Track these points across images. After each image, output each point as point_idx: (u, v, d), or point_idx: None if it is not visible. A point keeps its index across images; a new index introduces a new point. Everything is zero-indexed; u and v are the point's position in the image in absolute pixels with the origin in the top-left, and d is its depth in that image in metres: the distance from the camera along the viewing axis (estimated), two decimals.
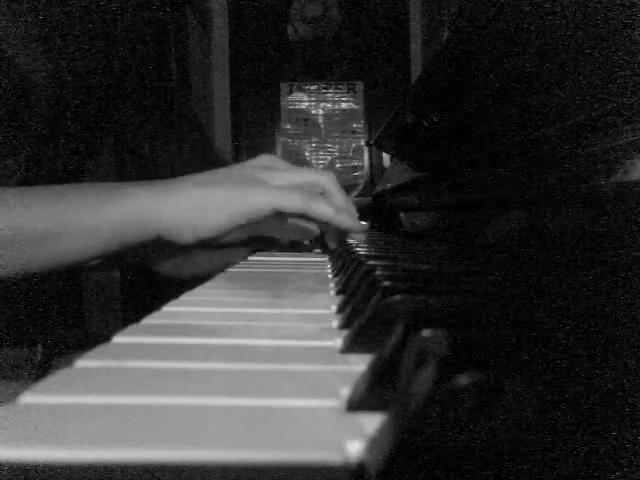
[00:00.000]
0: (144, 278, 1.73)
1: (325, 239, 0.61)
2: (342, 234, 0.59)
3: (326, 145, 2.73)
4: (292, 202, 0.48)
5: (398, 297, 0.23)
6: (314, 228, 0.58)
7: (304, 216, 0.51)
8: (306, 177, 0.52)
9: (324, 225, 0.55)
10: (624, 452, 0.11)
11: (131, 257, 0.71)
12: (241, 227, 0.49)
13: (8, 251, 0.44)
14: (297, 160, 2.66)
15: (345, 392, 0.18)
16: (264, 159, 0.54)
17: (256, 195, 0.47)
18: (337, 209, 0.51)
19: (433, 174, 0.82)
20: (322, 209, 0.49)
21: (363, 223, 0.55)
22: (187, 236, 0.48)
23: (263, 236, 0.67)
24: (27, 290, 0.67)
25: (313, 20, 2.63)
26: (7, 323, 0.62)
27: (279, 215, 0.49)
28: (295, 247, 0.77)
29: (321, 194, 0.53)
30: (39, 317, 0.68)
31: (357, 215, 0.55)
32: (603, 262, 0.32)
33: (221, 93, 2.61)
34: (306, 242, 0.80)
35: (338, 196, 0.53)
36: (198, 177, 0.50)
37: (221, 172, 0.51)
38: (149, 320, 0.29)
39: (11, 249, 0.44)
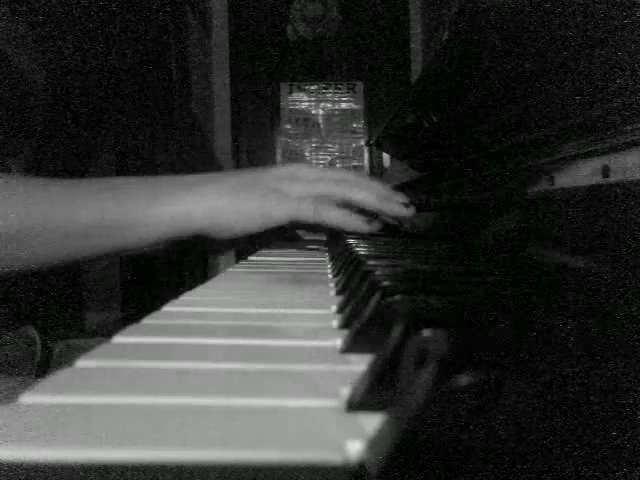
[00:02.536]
0: (144, 278, 1.73)
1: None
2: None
3: (326, 145, 2.72)
4: (305, 214, 0.54)
5: (398, 297, 0.23)
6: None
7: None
8: (323, 188, 0.57)
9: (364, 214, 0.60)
10: (624, 452, 0.11)
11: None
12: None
13: (37, 241, 0.46)
14: (297, 161, 2.66)
15: (345, 392, 0.18)
16: (292, 167, 0.59)
17: (277, 211, 0.54)
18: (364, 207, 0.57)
19: (433, 174, 0.82)
20: (332, 217, 0.55)
21: (405, 207, 0.60)
22: (226, 234, 0.53)
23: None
24: (27, 290, 0.67)
25: (313, 20, 2.63)
26: (7, 322, 0.62)
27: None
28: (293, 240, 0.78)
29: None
30: (39, 317, 0.68)
31: (395, 197, 0.60)
32: (603, 262, 0.32)
33: (221, 93, 2.61)
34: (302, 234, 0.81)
35: (371, 186, 0.59)
36: (232, 179, 0.55)
37: (249, 177, 0.56)
38: (149, 320, 0.29)
39: (44, 241, 0.46)
